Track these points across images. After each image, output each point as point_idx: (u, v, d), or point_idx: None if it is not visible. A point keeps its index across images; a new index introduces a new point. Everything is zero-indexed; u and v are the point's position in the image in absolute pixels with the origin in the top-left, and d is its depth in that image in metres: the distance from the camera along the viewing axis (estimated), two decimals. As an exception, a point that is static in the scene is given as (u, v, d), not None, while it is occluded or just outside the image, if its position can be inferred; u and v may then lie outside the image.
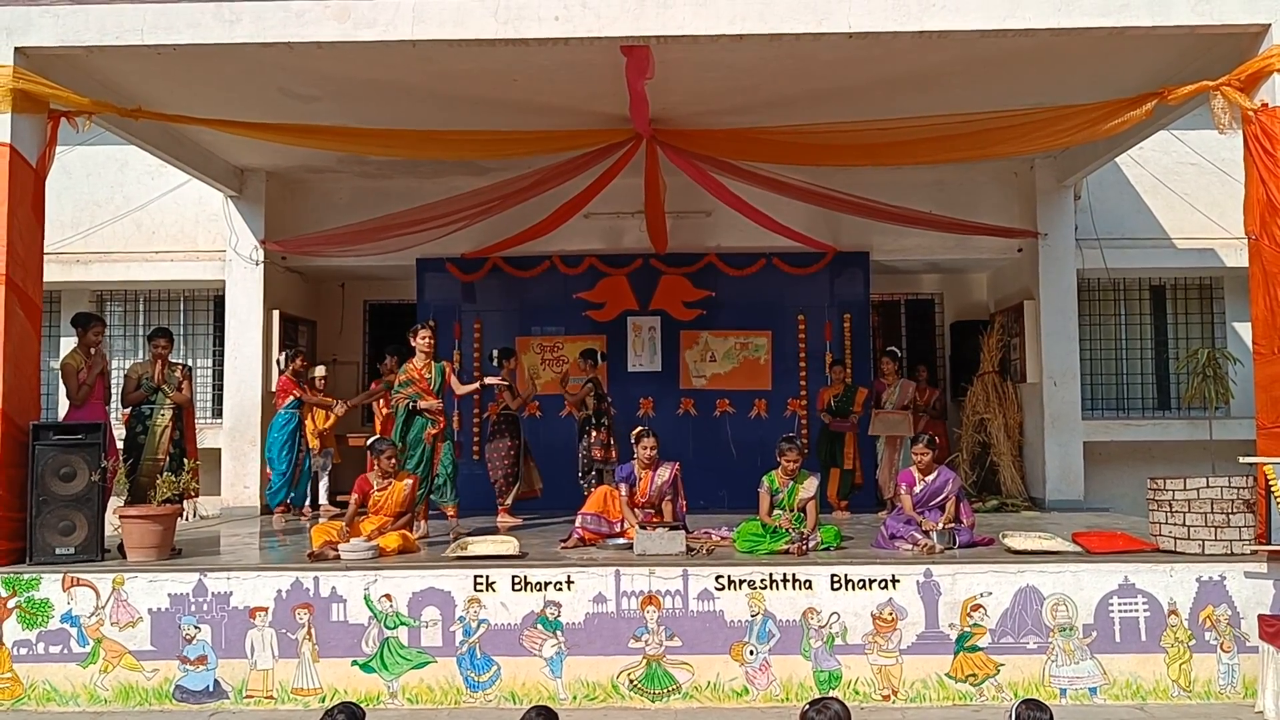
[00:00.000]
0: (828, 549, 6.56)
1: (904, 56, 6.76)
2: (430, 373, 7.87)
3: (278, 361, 9.80)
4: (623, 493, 7.12)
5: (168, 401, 7.43)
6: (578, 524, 7.07)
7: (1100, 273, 10.17)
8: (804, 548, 6.38)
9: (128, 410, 7.44)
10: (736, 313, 10.40)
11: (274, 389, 9.67)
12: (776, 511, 6.84)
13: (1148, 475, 6.63)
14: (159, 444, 7.25)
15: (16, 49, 6.29)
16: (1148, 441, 10.55)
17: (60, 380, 7.18)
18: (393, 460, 6.99)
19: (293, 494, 9.32)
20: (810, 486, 6.87)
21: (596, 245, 10.32)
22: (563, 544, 6.92)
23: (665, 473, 7.17)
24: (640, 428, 7.43)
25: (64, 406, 7.17)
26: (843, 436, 9.46)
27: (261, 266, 10.05)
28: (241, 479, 9.93)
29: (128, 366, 7.36)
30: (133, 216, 10.52)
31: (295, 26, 6.28)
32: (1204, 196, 10.07)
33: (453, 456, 8.00)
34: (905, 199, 9.37)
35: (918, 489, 6.93)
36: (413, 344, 7.98)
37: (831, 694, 5.54)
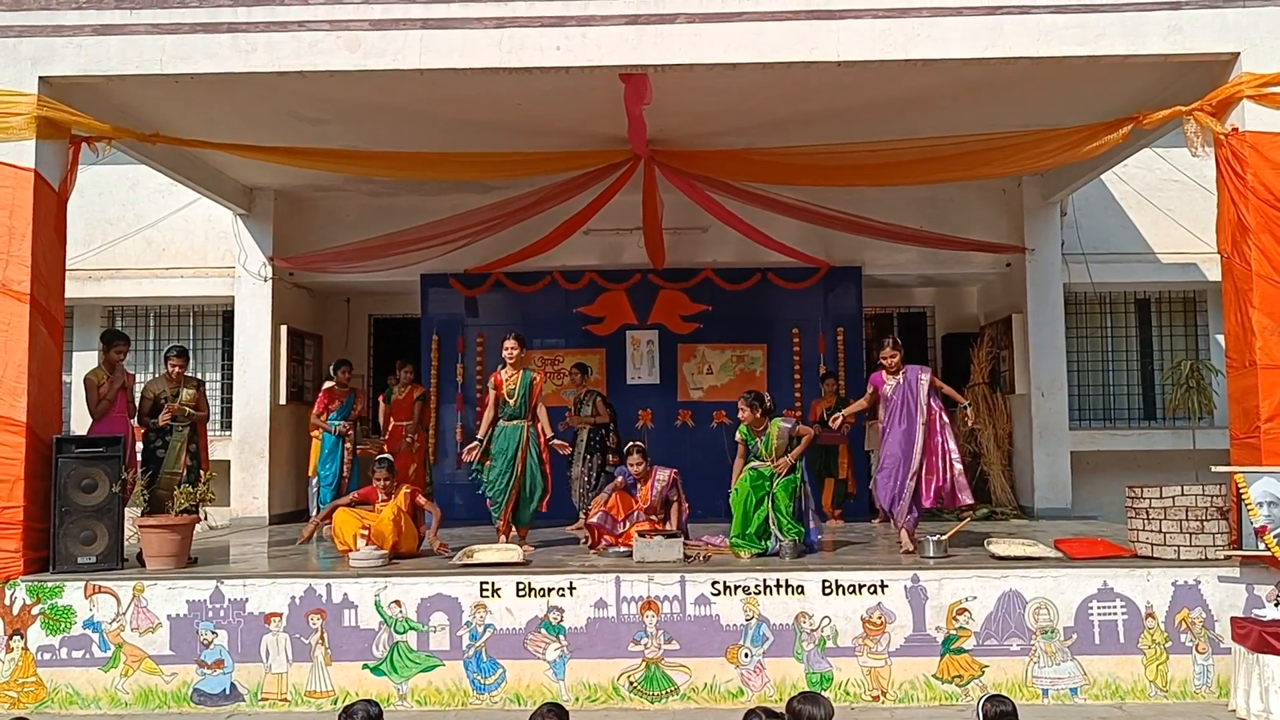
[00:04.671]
0: (794, 542, 6.85)
1: (892, 82, 7.01)
2: (516, 384, 7.56)
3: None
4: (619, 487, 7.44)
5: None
6: (594, 521, 7.31)
7: (1086, 287, 10.41)
8: (786, 466, 7.00)
9: (141, 427, 7.61)
10: (732, 326, 10.63)
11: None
12: (759, 464, 7.18)
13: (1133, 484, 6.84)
14: (178, 457, 7.45)
15: (41, 78, 6.49)
16: (1133, 451, 10.76)
17: (75, 394, 7.37)
18: (384, 480, 7.19)
19: None
20: (783, 433, 7.17)
21: (596, 261, 10.58)
22: (593, 549, 7.19)
23: (664, 476, 7.45)
24: (628, 444, 7.70)
25: (77, 419, 7.35)
26: (836, 447, 9.71)
27: (270, 282, 10.30)
28: (250, 490, 10.15)
29: (142, 384, 7.52)
30: (144, 234, 10.77)
31: (309, 56, 6.49)
32: (1187, 212, 10.28)
33: (536, 468, 7.61)
34: (897, 215, 9.63)
35: (887, 389, 7.20)
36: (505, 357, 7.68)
37: (823, 694, 5.76)
